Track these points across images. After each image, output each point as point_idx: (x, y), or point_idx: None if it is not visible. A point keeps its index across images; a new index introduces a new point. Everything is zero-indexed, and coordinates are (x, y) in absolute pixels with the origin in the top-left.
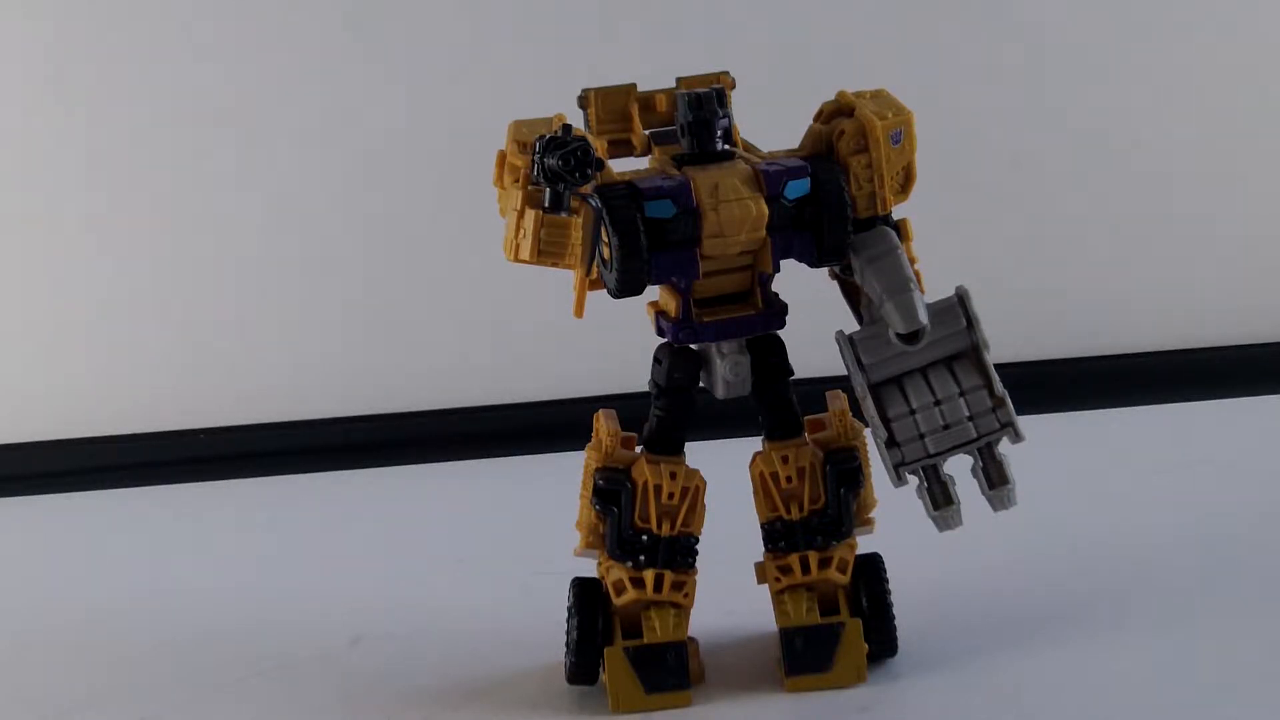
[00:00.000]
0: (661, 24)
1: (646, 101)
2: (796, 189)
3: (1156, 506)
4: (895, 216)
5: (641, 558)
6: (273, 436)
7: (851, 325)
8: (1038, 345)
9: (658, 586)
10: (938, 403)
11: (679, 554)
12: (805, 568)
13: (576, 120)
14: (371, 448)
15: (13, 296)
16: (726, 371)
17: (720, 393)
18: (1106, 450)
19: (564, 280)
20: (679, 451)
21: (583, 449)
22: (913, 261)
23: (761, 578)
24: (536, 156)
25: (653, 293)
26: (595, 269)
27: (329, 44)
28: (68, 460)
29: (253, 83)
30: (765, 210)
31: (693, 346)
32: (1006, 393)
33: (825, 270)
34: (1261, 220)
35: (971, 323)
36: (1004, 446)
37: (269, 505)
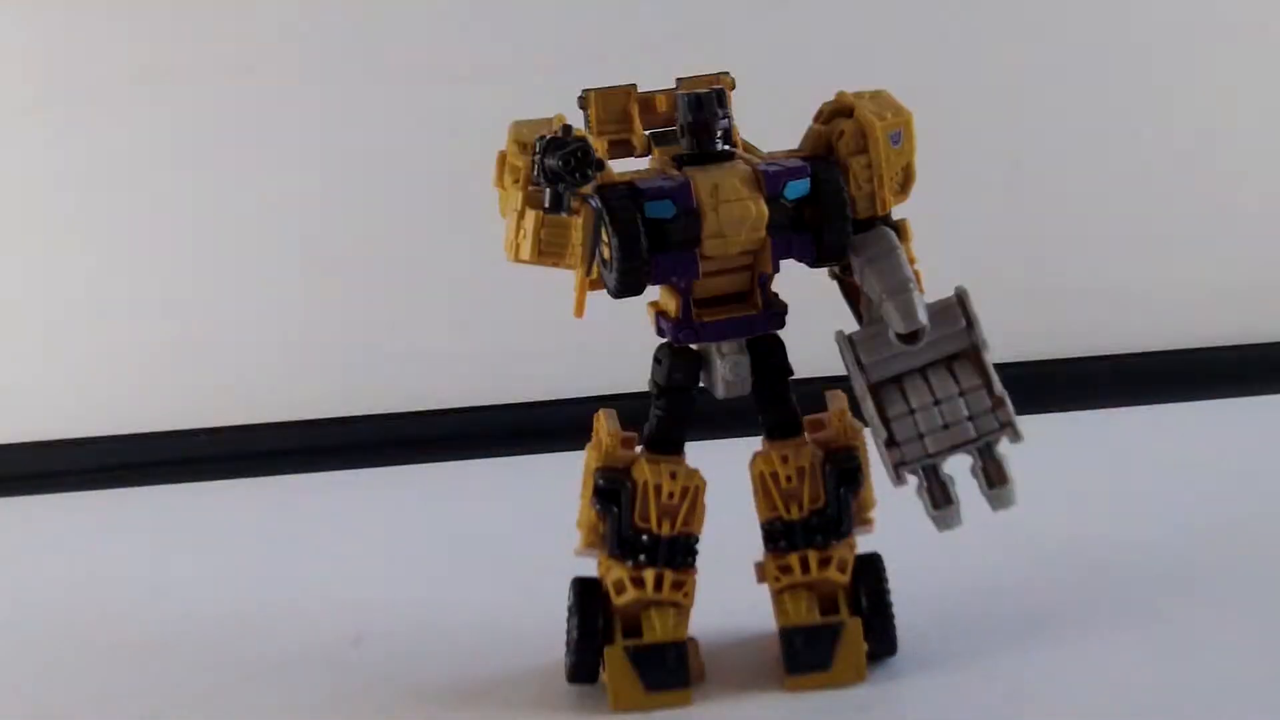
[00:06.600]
0: (661, 24)
1: (646, 102)
2: (796, 189)
3: (1156, 506)
4: (895, 216)
5: (641, 557)
6: (273, 436)
7: (851, 325)
8: (1038, 345)
9: (658, 586)
10: (937, 402)
11: (679, 553)
12: (805, 567)
13: (576, 120)
14: (371, 448)
15: (12, 296)
16: (726, 371)
17: (720, 393)
18: (1106, 450)
19: (564, 280)
20: (679, 451)
21: (583, 449)
22: (912, 261)
23: (761, 577)
24: (536, 157)
25: (653, 293)
26: (595, 269)
27: (328, 43)
28: (68, 460)
29: (252, 82)
30: (765, 210)
31: (693, 346)
32: (1006, 392)
33: (825, 270)
34: (1262, 220)
35: (971, 323)
36: (1004, 446)
37: (269, 505)
